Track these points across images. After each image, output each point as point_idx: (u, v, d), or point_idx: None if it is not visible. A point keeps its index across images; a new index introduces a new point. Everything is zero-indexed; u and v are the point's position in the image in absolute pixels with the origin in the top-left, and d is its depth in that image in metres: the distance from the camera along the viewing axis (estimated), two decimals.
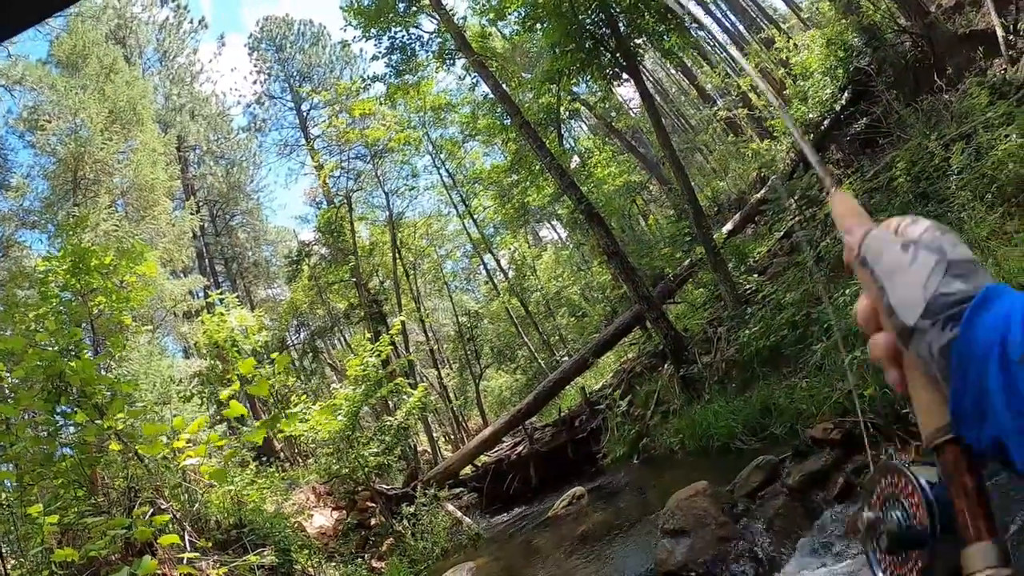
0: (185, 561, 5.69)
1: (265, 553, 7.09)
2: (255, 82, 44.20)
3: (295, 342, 41.36)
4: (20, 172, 30.77)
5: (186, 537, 6.49)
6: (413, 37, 21.36)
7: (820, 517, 6.97)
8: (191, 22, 43.41)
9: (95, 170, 28.03)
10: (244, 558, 6.82)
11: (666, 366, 14.77)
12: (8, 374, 6.28)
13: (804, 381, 9.75)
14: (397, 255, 31.75)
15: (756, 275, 15.66)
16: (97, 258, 11.78)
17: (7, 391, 6.64)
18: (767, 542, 6.79)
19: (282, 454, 29.04)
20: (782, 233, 17.66)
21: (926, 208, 10.84)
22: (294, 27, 44.04)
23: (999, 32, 14.35)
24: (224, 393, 6.21)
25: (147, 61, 40.11)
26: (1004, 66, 13.80)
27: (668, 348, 14.23)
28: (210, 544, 6.93)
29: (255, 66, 43.64)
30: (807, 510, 7.22)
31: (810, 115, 20.19)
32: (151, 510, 6.56)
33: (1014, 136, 9.91)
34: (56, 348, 8.26)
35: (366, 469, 15.90)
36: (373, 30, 20.84)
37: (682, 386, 13.39)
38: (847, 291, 10.48)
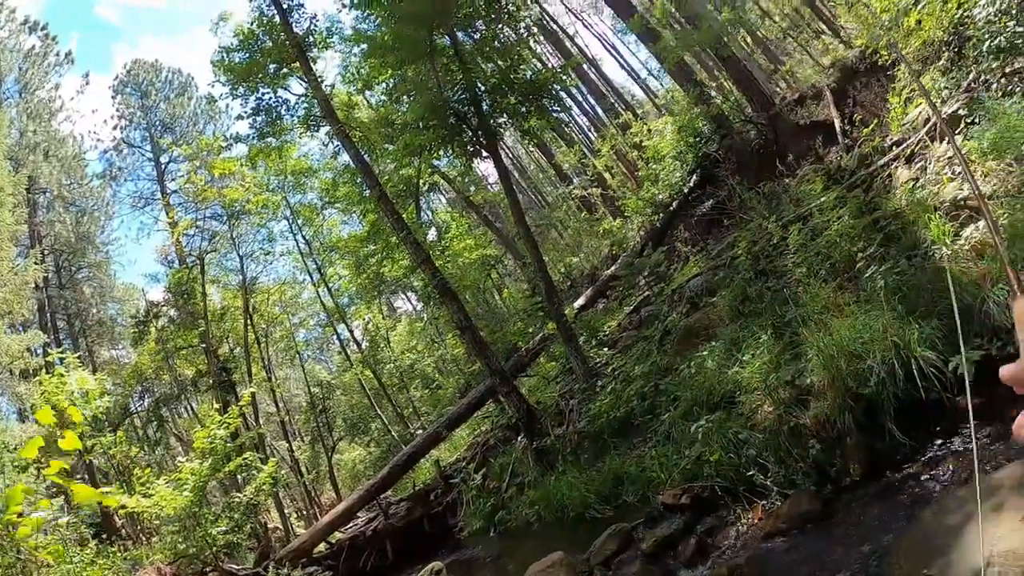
0: None
1: None
2: (115, 127, 41.81)
3: (139, 409, 39.59)
4: None
5: None
6: (280, 100, 21.21)
7: None
8: (57, 54, 40.88)
9: None
10: None
11: (520, 438, 14.90)
12: None
13: (653, 449, 10.04)
14: (249, 321, 30.87)
15: (606, 348, 16.11)
16: None
17: None
18: None
19: (124, 531, 27.63)
20: (632, 307, 18.20)
21: (766, 284, 11.44)
22: (162, 74, 42.78)
23: (836, 123, 15.50)
24: (52, 466, 5.87)
25: (7, 91, 37.72)
26: (840, 153, 14.84)
27: (521, 421, 14.43)
28: None
29: (117, 110, 41.84)
30: (662, 574, 7.39)
31: (660, 196, 21.11)
32: None
33: (846, 217, 10.63)
34: None
35: (215, 548, 15.23)
36: (241, 88, 20.58)
37: (536, 458, 13.51)
38: (691, 363, 10.98)
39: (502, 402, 17.76)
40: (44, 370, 18.78)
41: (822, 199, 12.07)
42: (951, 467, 6.02)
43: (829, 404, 7.14)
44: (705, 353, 11.02)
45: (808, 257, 10.76)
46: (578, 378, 14.79)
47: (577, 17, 43.46)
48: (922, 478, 6.15)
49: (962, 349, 5.96)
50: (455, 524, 16.10)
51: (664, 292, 16.42)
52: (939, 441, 6.45)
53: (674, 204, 20.56)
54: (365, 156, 19.56)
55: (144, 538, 26.80)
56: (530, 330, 20.41)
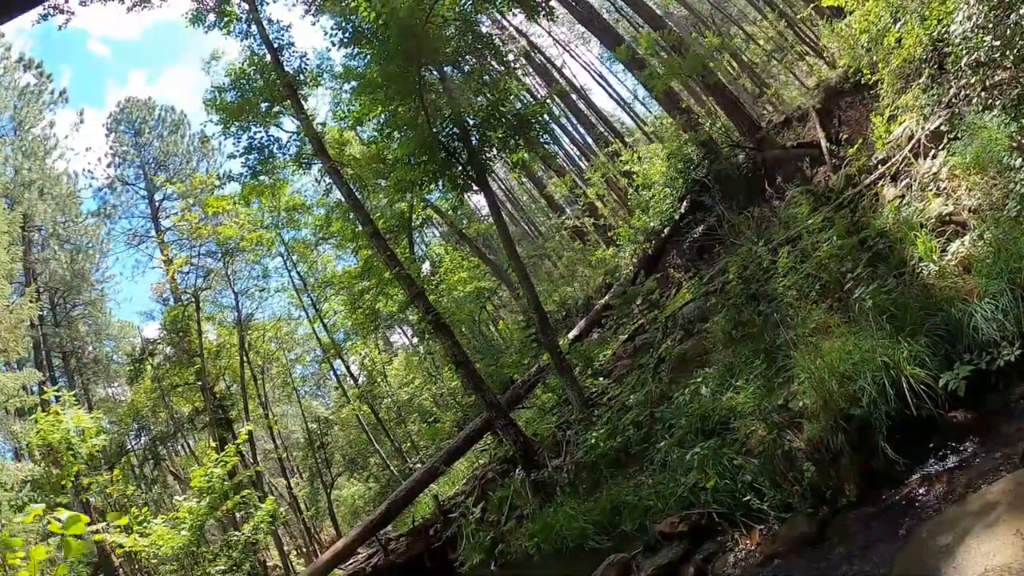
0: None
1: None
2: (109, 164, 41.26)
3: (135, 447, 39.37)
4: None
5: None
6: (272, 138, 21.25)
7: None
8: (51, 92, 40.75)
9: None
10: None
11: (518, 471, 14.87)
12: None
13: (650, 478, 10.03)
14: (245, 358, 30.83)
15: (602, 378, 16.13)
16: None
17: None
18: None
19: (121, 571, 27.43)
20: (626, 336, 18.22)
21: (757, 308, 11.49)
22: (155, 112, 42.59)
23: (823, 144, 15.65)
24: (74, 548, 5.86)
25: (1, 128, 37.36)
26: (827, 174, 14.97)
27: (518, 454, 14.40)
28: None
29: (111, 148, 41.43)
30: None
31: (651, 224, 21.18)
32: None
33: (834, 238, 10.71)
34: None
35: None
36: (233, 127, 20.63)
37: (534, 490, 13.46)
38: (686, 390, 10.99)
39: (499, 435, 17.78)
40: (40, 408, 18.70)
41: (810, 221, 12.19)
42: (945, 484, 6.02)
43: (822, 426, 7.15)
44: (699, 380, 11.06)
45: (798, 280, 10.83)
46: (574, 409, 14.78)
47: (565, 48, 43.68)
48: (917, 496, 6.16)
49: None
50: (455, 559, 15.99)
51: (658, 320, 16.49)
52: (932, 459, 6.46)
53: (665, 231, 20.63)
54: (357, 192, 19.71)
55: None
56: (525, 361, 20.41)
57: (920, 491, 6.19)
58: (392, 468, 31.38)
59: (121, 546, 14.53)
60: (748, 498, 7.45)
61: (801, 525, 6.78)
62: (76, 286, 42.04)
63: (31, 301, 31.93)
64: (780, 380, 8.70)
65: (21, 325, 29.72)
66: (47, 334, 38.76)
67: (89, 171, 43.55)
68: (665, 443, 10.27)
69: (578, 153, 40.67)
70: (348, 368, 36.56)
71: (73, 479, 15.55)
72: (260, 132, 21.08)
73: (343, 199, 20.51)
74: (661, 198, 20.96)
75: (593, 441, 12.45)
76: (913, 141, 11.30)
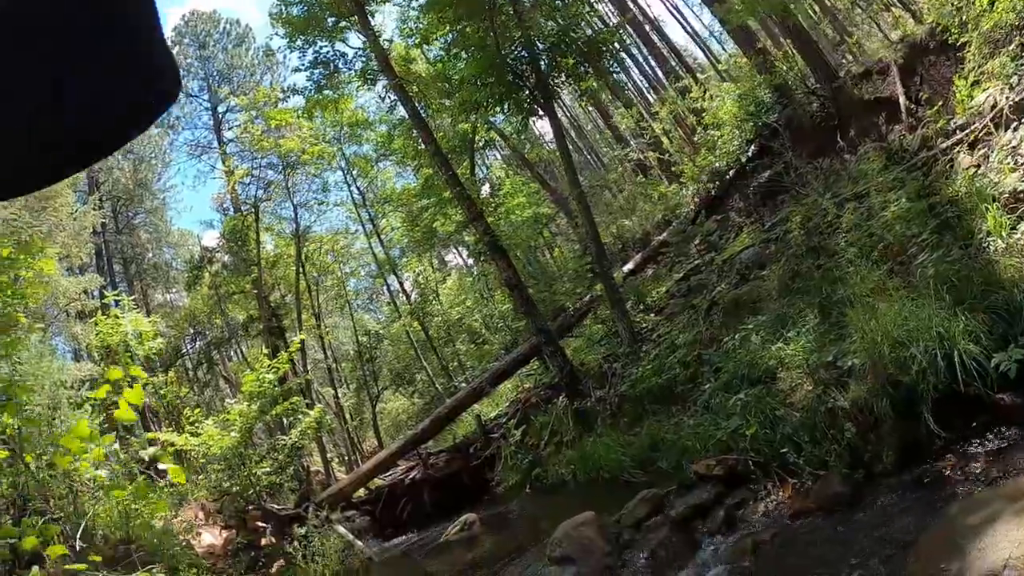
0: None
1: (154, 570, 6.95)
2: None
3: (190, 351, 40.42)
4: None
5: (77, 546, 6.37)
6: (337, 53, 21.20)
7: (701, 549, 7.26)
8: None
9: None
10: (133, 575, 6.71)
11: (561, 398, 15.04)
12: None
13: (692, 419, 10.09)
14: (301, 269, 31.31)
15: (653, 314, 16.11)
16: None
17: None
18: (649, 573, 7.05)
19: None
20: (681, 275, 18.12)
21: (817, 261, 11.36)
22: (220, 25, 42.44)
23: (902, 101, 15.14)
24: (122, 408, 6.13)
25: None
26: (903, 133, 14.52)
27: (563, 381, 14.55)
28: (100, 559, 6.79)
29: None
30: (689, 542, 7.52)
31: (717, 164, 20.85)
32: (40, 520, 6.43)
33: (903, 200, 10.44)
34: None
35: (258, 488, 15.70)
36: (299, 41, 20.62)
37: (576, 418, 13.67)
38: (736, 336, 10.96)
39: (546, 361, 17.90)
40: (100, 312, 19.17)
41: (880, 179, 11.88)
42: (982, 465, 5.95)
43: (868, 388, 7.08)
44: (751, 327, 10.97)
45: (861, 237, 10.63)
46: (623, 342, 14.82)
47: None
48: (953, 473, 6.09)
49: None
50: (492, 478, 16.37)
51: (715, 262, 16.35)
52: (974, 438, 6.36)
53: (730, 173, 20.32)
54: (421, 111, 19.60)
55: (191, 476, 27.49)
56: (578, 291, 20.40)
57: (957, 468, 6.11)
58: (437, 385, 31.74)
59: (173, 444, 14.98)
60: (786, 450, 7.46)
61: (835, 484, 6.78)
62: (138, 195, 43.27)
63: (94, 209, 32.62)
64: (832, 337, 8.62)
65: (84, 232, 30.38)
66: (109, 241, 40.06)
67: None
68: (710, 386, 10.29)
69: (647, 86, 39.76)
70: (401, 284, 36.92)
71: (130, 380, 15.96)
72: (326, 47, 21.05)
73: (407, 116, 20.46)
74: (729, 139, 20.55)
75: (639, 376, 12.56)
76: (996, 110, 10.86)
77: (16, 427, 6.49)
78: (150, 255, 45.21)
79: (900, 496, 6.24)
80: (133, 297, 24.16)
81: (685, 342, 12.73)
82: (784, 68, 19.79)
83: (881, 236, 10.27)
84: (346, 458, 36.41)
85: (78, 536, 6.93)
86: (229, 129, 38.23)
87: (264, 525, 16.14)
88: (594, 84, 18.17)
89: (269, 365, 15.96)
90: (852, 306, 8.29)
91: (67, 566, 5.81)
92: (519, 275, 16.07)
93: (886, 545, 5.63)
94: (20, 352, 13.64)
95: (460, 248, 41.36)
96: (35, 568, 5.14)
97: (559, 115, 19.00)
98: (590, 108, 38.94)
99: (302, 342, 23.86)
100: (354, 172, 33.63)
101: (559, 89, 17.44)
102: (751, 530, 7.10)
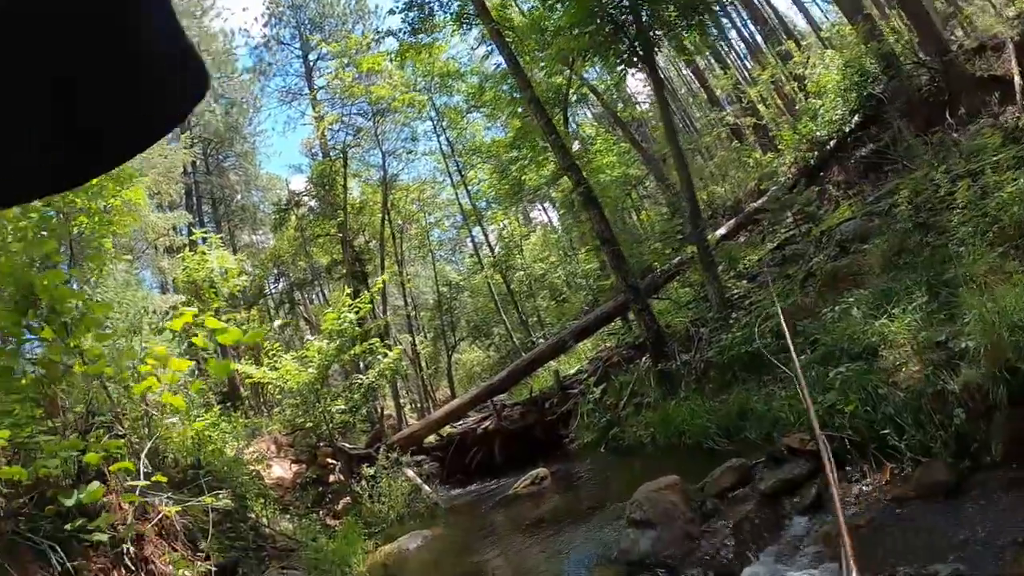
0: (137, 491, 5.55)
1: (221, 496, 6.91)
2: (265, 24, 42.04)
3: (273, 291, 41.09)
4: None
5: (140, 467, 6.31)
6: None
7: (789, 526, 6.90)
8: None
9: None
10: (199, 499, 6.64)
11: (644, 359, 14.69)
12: None
13: (783, 390, 9.65)
14: (386, 216, 31.48)
15: (745, 281, 15.55)
16: None
17: None
18: (732, 545, 6.71)
19: (247, 401, 28.92)
20: (775, 244, 17.56)
21: (925, 238, 10.78)
22: None
23: (1017, 80, 14.25)
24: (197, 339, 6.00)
25: None
26: (1017, 113, 13.69)
27: (649, 341, 14.10)
28: (166, 480, 6.77)
29: (267, 8, 41.63)
30: (776, 518, 7.13)
31: (818, 133, 20.12)
32: (107, 435, 6.39)
33: (1022, 181, 9.81)
34: (28, 260, 8.03)
35: (330, 425, 15.81)
36: None
37: (658, 380, 13.28)
38: (836, 308, 10.45)
39: (629, 321, 17.54)
40: (187, 248, 19.47)
41: (997, 157, 11.21)
42: None
43: (983, 373, 6.60)
44: (851, 300, 10.45)
45: (975, 216, 10.01)
46: (712, 307, 14.30)
47: None
48: None
49: None
50: (566, 435, 16.14)
51: (812, 233, 15.76)
52: None
53: (831, 143, 19.57)
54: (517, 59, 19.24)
55: (264, 410, 28.03)
56: (667, 252, 19.93)
57: None
58: (515, 340, 31.70)
59: (250, 376, 15.12)
60: (886, 432, 7.02)
61: (939, 472, 6.29)
62: (229, 138, 43.88)
63: (185, 148, 33.21)
64: (942, 316, 8.11)
65: (174, 171, 31.17)
66: (199, 181, 41.32)
67: (245, 30, 44.61)
68: (805, 357, 9.79)
69: (745, 50, 38.66)
70: (486, 236, 36.70)
71: (213, 314, 16.19)
72: None
73: (501, 65, 20.16)
74: (831, 108, 19.77)
75: (728, 343, 12.05)
76: None
77: (95, 344, 6.41)
78: (238, 197, 45.95)
79: (1008, 492, 5.70)
80: (220, 236, 24.59)
81: (779, 311, 12.21)
82: (892, 37, 18.91)
83: (997, 216, 9.64)
84: (418, 405, 36.83)
85: (143, 456, 6.88)
86: (320, 76, 38.32)
87: (334, 462, 16.35)
88: (696, 37, 17.50)
89: (351, 305, 15.93)
90: (967, 285, 7.77)
91: (130, 482, 5.74)
92: (611, 228, 15.57)
93: (989, 541, 5.19)
94: (106, 278, 13.88)
95: (545, 205, 41.20)
96: (96, 483, 5.04)
97: (658, 70, 18.44)
98: (684, 71, 38.13)
99: (383, 286, 23.96)
100: (443, 122, 33.45)
101: (660, 42, 16.80)
102: (843, 513, 6.70)
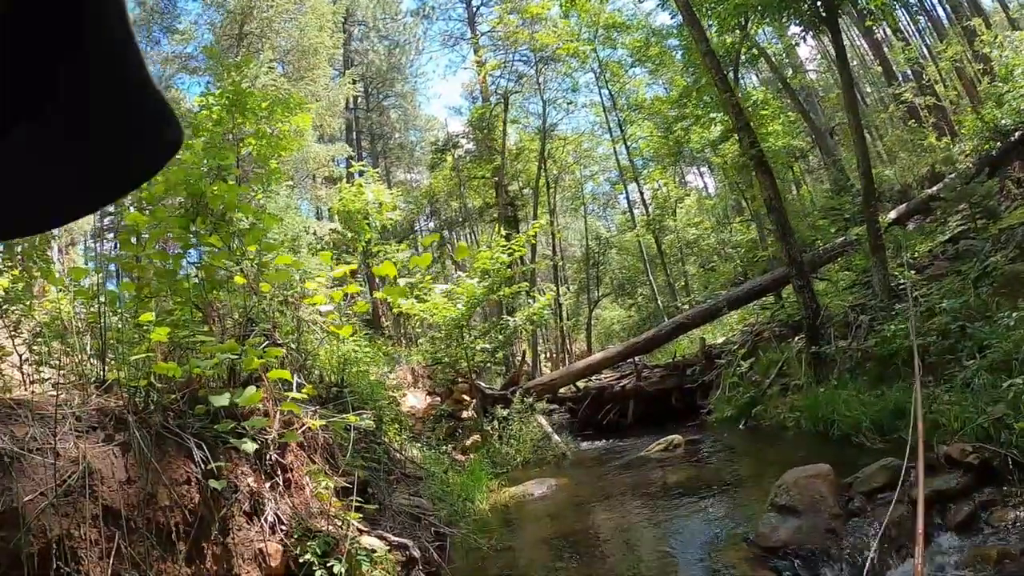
0: (290, 399, 5.62)
1: (364, 416, 6.97)
2: None
3: (424, 228, 41.84)
4: (188, 19, 31.67)
5: (295, 379, 6.41)
6: None
7: (936, 542, 6.41)
8: None
9: (261, 25, 29.34)
10: (343, 416, 6.70)
11: (796, 339, 14.09)
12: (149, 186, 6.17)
13: (947, 394, 9.00)
14: (543, 165, 31.50)
15: (913, 272, 14.64)
16: (254, 101, 11.76)
17: (144, 203, 6.56)
18: (875, 549, 6.29)
19: (388, 331, 29.55)
20: (947, 237, 16.50)
21: None
22: None
23: None
24: (348, 267, 6.01)
25: None
26: None
27: (805, 320, 13.37)
28: (314, 394, 6.90)
29: None
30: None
31: (1003, 120, 18.74)
32: (264, 342, 6.50)
33: None
34: (204, 167, 8.26)
35: (472, 362, 15.97)
36: None
37: (810, 364, 12.69)
38: (1013, 314, 9.66)
39: (782, 299, 16.89)
40: (345, 180, 19.86)
41: None
42: None
43: None
44: None
45: None
46: (876, 293, 13.46)
47: None
48: None
49: None
50: (704, 405, 15.76)
51: (989, 229, 14.70)
52: None
53: (1017, 134, 18.22)
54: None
55: (403, 341, 28.63)
56: (832, 230, 19.05)
57: None
58: (659, 302, 31.26)
59: (399, 306, 15.37)
60: None
61: None
62: (390, 78, 45.22)
63: (350, 83, 33.93)
64: None
65: (337, 105, 32.07)
66: (359, 117, 43.03)
67: None
68: (974, 363, 9.11)
69: (927, 24, 36.34)
70: (642, 194, 36.06)
71: (365, 244, 16.55)
72: None
73: (667, 20, 19.51)
74: (1020, 95, 18.38)
75: (891, 334, 11.35)
76: None
77: (259, 255, 6.52)
78: (397, 135, 47.49)
79: None
80: (377, 170, 25.08)
81: (948, 308, 11.35)
82: None
83: None
84: (553, 355, 36.98)
85: (296, 368, 7.02)
86: (483, 21, 38.47)
87: (469, 399, 16.48)
88: (881, 3, 16.39)
89: (506, 246, 15.86)
90: None
91: (287, 392, 5.82)
92: (780, 196, 14.85)
93: None
94: (269, 198, 14.32)
95: (703, 169, 40.31)
96: (251, 388, 5.10)
97: (825, 43, 17.41)
98: (859, 41, 36.32)
99: (535, 234, 23.99)
100: (606, 75, 32.86)
101: (844, 3, 15.73)
102: (997, 538, 6.13)
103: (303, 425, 6.29)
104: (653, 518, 8.78)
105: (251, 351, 5.46)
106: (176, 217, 6.44)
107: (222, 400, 4.99)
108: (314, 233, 17.85)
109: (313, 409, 6.88)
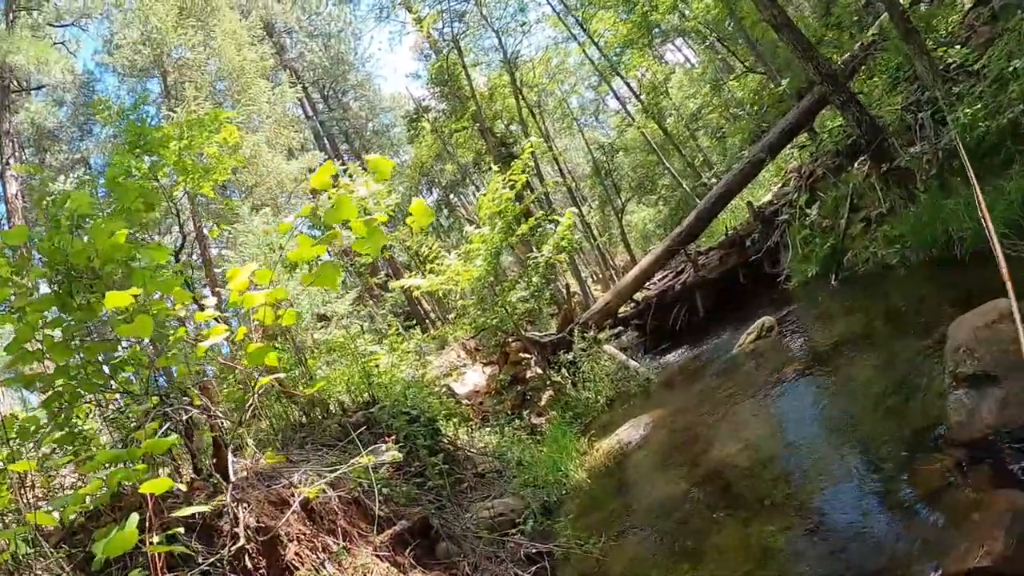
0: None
1: (385, 449, 5.40)
2: None
3: (427, 201, 41.02)
4: (109, 97, 31.68)
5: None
6: None
7: None
8: None
9: (176, 67, 29.35)
10: (344, 466, 4.97)
11: (855, 165, 12.27)
12: None
13: None
14: (519, 95, 30.61)
15: (957, 47, 12.67)
16: (163, 132, 10.49)
17: None
18: None
19: (430, 316, 29.11)
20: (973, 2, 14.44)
21: None
22: None
23: None
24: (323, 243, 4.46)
25: None
26: None
27: (864, 138, 11.42)
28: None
29: None
30: None
31: None
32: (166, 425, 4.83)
33: None
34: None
35: (515, 316, 14.68)
36: None
37: (886, 184, 10.85)
38: None
39: (816, 132, 15.12)
40: (332, 186, 18.85)
41: None
42: None
43: None
44: None
45: None
46: (925, 84, 11.53)
47: None
48: None
49: None
50: (777, 273, 14.01)
51: None
52: None
53: None
54: None
55: (447, 319, 28.06)
56: (846, 38, 17.19)
57: None
58: (685, 186, 30.38)
59: (417, 287, 14.30)
60: None
61: None
62: (340, 72, 45.67)
63: (288, 89, 34.66)
64: None
65: (287, 115, 32.78)
66: (324, 121, 43.18)
67: None
68: None
69: None
70: (629, 86, 34.54)
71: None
72: None
73: None
74: None
75: (966, 120, 9.49)
76: None
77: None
78: (369, 124, 47.92)
79: None
80: (359, 164, 24.18)
81: (1020, 68, 9.45)
82: None
83: None
84: (599, 275, 36.66)
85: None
86: None
87: (527, 356, 15.29)
88: None
89: (504, 179, 14.46)
90: None
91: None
92: (784, 12, 12.78)
93: None
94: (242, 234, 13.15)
95: (679, 42, 39.06)
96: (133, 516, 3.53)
97: None
98: None
99: (533, 154, 22.82)
100: None
101: None
102: None
103: (299, 496, 4.63)
104: (784, 433, 6.82)
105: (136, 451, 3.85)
106: (43, 299, 4.64)
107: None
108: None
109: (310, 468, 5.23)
